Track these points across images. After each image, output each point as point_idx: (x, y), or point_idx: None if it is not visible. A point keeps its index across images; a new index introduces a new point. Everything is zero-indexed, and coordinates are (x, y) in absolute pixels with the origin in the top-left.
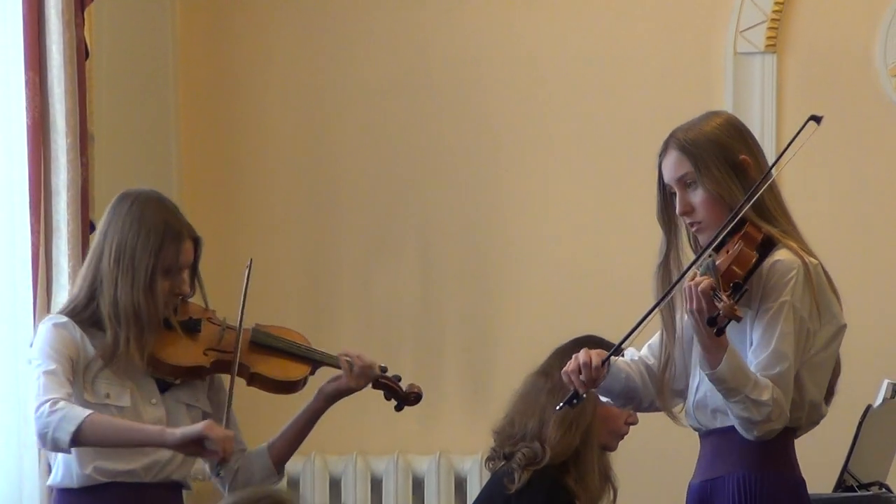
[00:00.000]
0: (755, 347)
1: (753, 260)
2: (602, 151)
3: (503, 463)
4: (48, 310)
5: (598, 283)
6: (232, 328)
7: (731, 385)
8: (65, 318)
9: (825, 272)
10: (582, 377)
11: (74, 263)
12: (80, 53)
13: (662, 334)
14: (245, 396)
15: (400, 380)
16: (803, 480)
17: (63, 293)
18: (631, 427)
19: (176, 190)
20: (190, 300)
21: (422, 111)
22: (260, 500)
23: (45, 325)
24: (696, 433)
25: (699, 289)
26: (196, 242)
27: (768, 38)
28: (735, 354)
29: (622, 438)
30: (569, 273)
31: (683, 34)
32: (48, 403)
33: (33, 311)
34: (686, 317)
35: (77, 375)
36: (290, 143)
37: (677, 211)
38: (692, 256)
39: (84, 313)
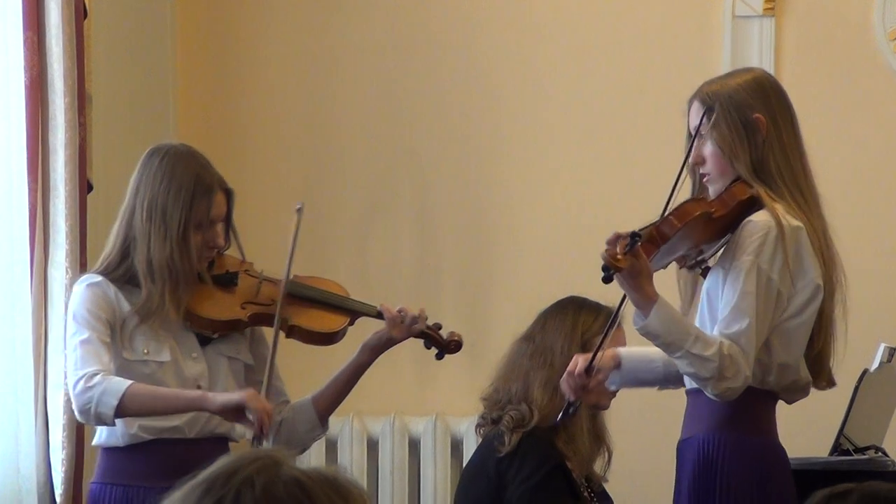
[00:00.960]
0: (721, 307)
1: (696, 213)
2: (600, 112)
3: (492, 428)
4: (45, 268)
5: (597, 243)
6: (269, 280)
7: (666, 339)
8: (99, 277)
9: (818, 234)
10: (570, 384)
11: (72, 223)
12: (78, 13)
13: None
14: (289, 346)
15: (440, 328)
16: (774, 444)
17: (60, 253)
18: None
19: None
20: (226, 253)
21: (419, 69)
22: (257, 459)
23: (80, 286)
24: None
25: (607, 240)
26: (228, 195)
27: (766, 1)
28: (667, 308)
29: (613, 396)
30: (567, 233)
31: None
32: (84, 378)
33: (30, 271)
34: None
35: (114, 334)
36: (288, 103)
37: (689, 160)
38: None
39: (118, 271)
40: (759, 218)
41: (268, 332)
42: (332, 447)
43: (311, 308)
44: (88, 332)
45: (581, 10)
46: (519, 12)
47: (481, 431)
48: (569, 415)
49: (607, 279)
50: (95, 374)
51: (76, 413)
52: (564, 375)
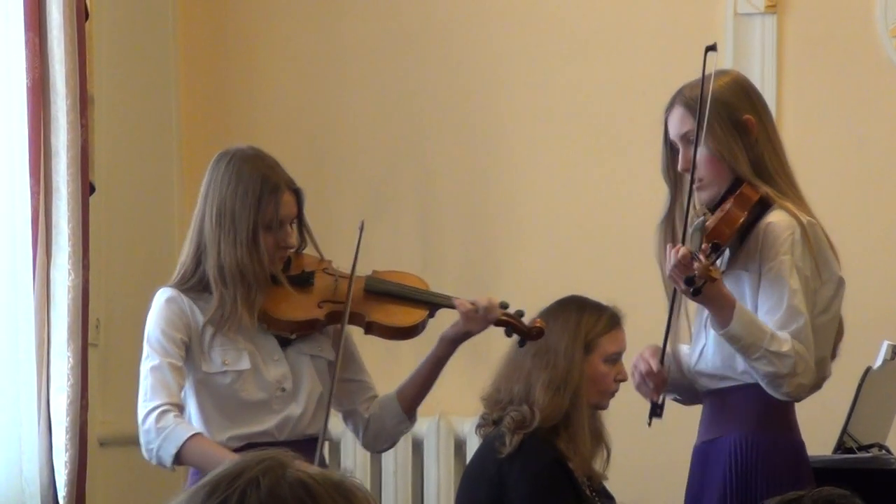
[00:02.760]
0: (768, 309)
1: (741, 219)
2: (603, 110)
3: (493, 428)
4: (48, 271)
5: (600, 239)
6: (346, 277)
7: (747, 341)
8: (173, 292)
9: (822, 230)
10: (651, 386)
11: (74, 225)
12: (79, 14)
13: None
14: (375, 339)
15: (522, 315)
16: (802, 444)
17: (63, 255)
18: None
19: (176, 152)
20: (304, 252)
21: (423, 64)
22: (263, 460)
23: (157, 301)
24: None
25: (678, 255)
26: (297, 194)
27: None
28: (745, 310)
29: (613, 396)
30: (571, 230)
31: None
32: (154, 416)
33: (33, 273)
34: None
35: (192, 351)
36: (292, 101)
37: (679, 167)
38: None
39: (192, 280)
40: (780, 218)
41: (351, 330)
42: (335, 449)
43: (389, 303)
44: (160, 357)
45: (583, 8)
46: (522, 10)
47: (481, 432)
48: (660, 415)
49: (698, 292)
50: (166, 413)
51: (142, 447)
52: (638, 381)
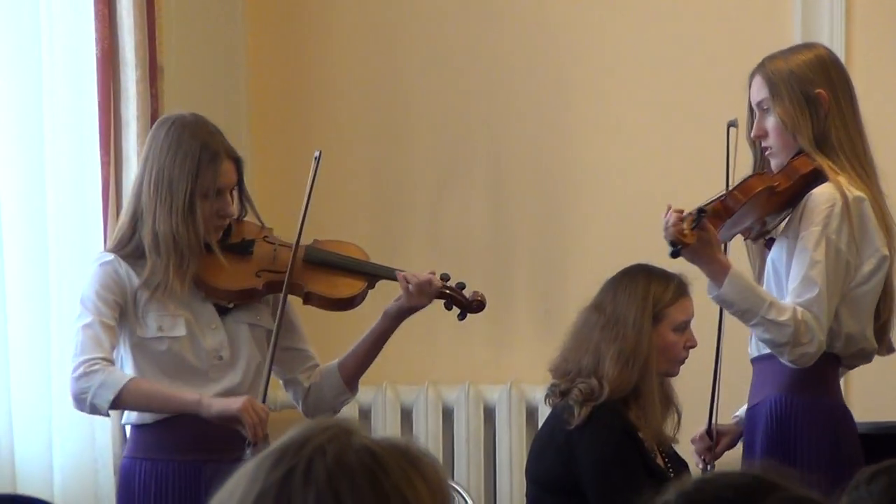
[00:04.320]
0: (792, 277)
1: (760, 188)
2: (671, 80)
3: (560, 399)
4: None
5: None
6: (286, 246)
7: (741, 307)
8: (110, 256)
9: (880, 206)
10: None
11: None
12: None
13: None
14: (316, 310)
15: (464, 287)
16: (843, 406)
17: None
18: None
19: (245, 121)
20: (245, 219)
21: (490, 40)
22: (328, 428)
23: (92, 266)
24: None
25: (667, 217)
26: (237, 163)
27: None
28: (741, 277)
29: (682, 363)
30: (638, 199)
31: None
32: (83, 366)
33: (104, 243)
34: None
35: (127, 314)
36: (360, 72)
37: (752, 134)
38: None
39: (129, 246)
40: (824, 190)
41: (291, 299)
42: (406, 416)
43: (328, 273)
44: (92, 315)
45: None
46: None
47: (550, 402)
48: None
49: (675, 254)
50: (95, 363)
51: (72, 399)
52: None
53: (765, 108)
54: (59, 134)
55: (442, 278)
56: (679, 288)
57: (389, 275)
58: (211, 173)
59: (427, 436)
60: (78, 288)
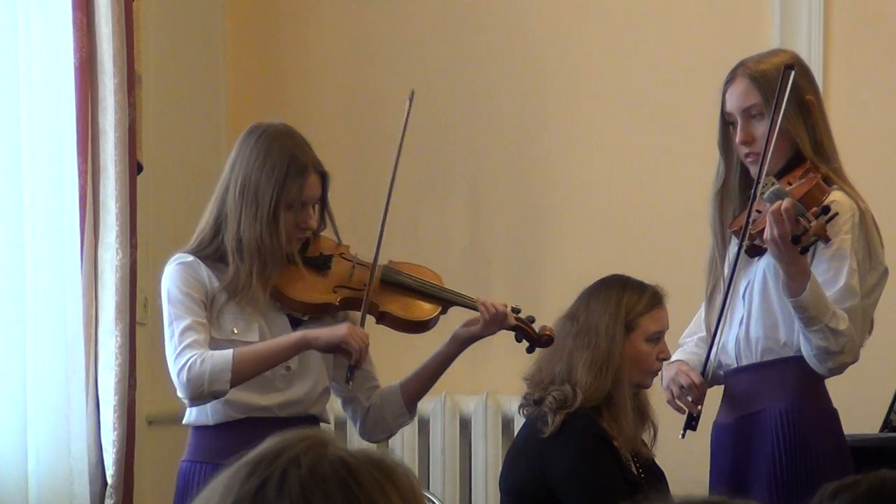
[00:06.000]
0: (822, 283)
1: (827, 194)
2: (648, 90)
3: (534, 408)
4: (96, 250)
5: (644, 221)
6: (363, 265)
7: (812, 313)
8: (190, 257)
9: (873, 216)
10: (691, 399)
11: (122, 204)
12: None
13: (711, 267)
14: (382, 333)
15: (533, 321)
16: (837, 412)
17: (111, 234)
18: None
19: (224, 131)
20: (322, 235)
21: (469, 49)
22: (303, 439)
23: (171, 266)
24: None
25: (784, 209)
26: (323, 177)
27: None
28: (817, 283)
29: (656, 375)
30: (617, 211)
31: None
32: (185, 371)
33: (80, 252)
34: (769, 242)
35: (208, 313)
36: (338, 82)
37: (738, 140)
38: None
39: (209, 248)
40: (842, 198)
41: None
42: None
43: (403, 295)
44: (188, 317)
45: None
46: None
47: (524, 412)
48: (695, 428)
49: (805, 250)
50: (193, 360)
51: (187, 400)
52: (677, 393)
53: (754, 113)
54: (37, 142)
55: (513, 311)
56: (653, 298)
57: (464, 302)
58: (297, 185)
59: (403, 446)
60: (56, 296)
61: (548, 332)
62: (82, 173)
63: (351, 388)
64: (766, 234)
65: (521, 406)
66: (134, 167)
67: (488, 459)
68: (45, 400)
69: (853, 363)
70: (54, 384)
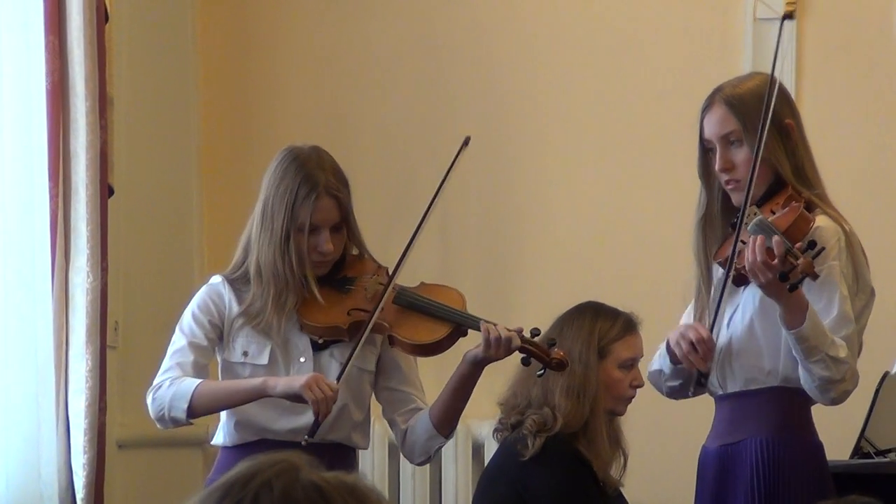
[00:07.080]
0: (820, 311)
1: (812, 223)
2: (621, 115)
3: (511, 433)
4: (66, 273)
5: (619, 248)
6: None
7: (812, 343)
8: (219, 279)
9: (857, 238)
10: (700, 354)
11: (93, 227)
12: (99, 16)
13: (698, 295)
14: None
15: (554, 344)
16: (822, 445)
17: (81, 257)
18: (639, 391)
19: (195, 154)
20: (365, 258)
21: (439, 69)
22: (276, 463)
23: (202, 288)
24: (711, 397)
25: (776, 248)
26: (339, 200)
27: (788, 3)
28: (815, 313)
29: (629, 402)
30: (589, 237)
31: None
32: (153, 391)
33: (51, 275)
34: (754, 279)
35: (221, 336)
36: (311, 106)
37: (717, 167)
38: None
39: (239, 271)
40: (827, 223)
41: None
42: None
43: (414, 317)
44: (185, 339)
45: (604, 13)
46: (538, 18)
47: (499, 437)
48: (705, 384)
49: (794, 287)
50: (164, 381)
51: (154, 420)
52: (686, 349)
53: (732, 140)
54: (8, 164)
55: (531, 333)
56: (626, 325)
57: (475, 325)
58: (306, 208)
59: (374, 471)
60: (27, 318)
61: (558, 357)
62: (53, 196)
63: (315, 438)
64: (754, 281)
65: (496, 430)
66: (105, 190)
67: (458, 485)
68: (16, 423)
69: (853, 390)
70: (25, 407)
